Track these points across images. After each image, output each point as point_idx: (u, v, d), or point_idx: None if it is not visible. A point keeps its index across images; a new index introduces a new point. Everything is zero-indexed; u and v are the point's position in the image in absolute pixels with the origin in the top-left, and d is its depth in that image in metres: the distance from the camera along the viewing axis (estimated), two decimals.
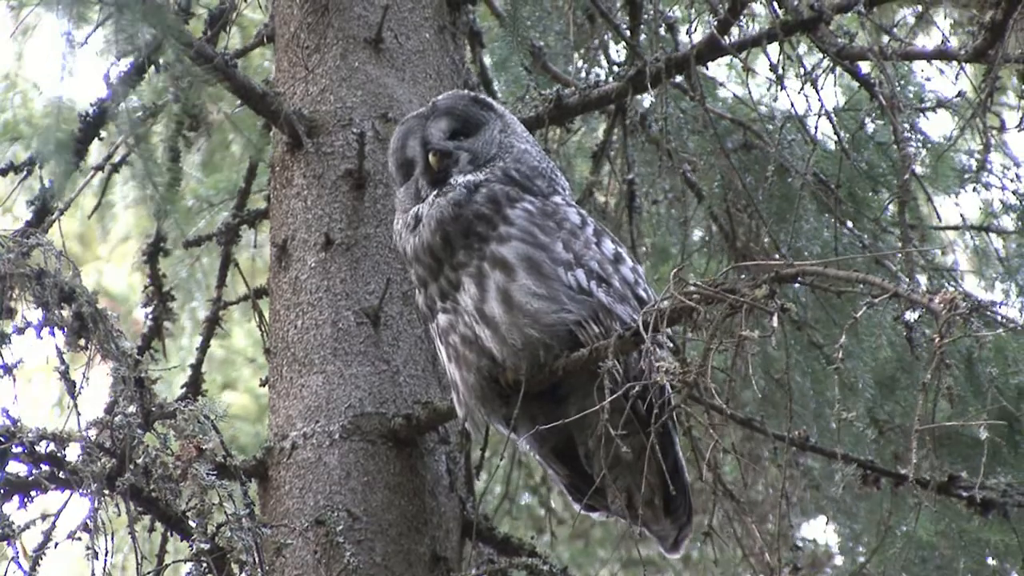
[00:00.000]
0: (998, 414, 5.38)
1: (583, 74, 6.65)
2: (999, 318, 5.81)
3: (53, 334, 4.43)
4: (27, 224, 5.68)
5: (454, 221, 4.50)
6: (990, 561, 5.79)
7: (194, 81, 5.45)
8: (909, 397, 6.10)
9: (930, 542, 5.69)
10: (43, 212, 5.81)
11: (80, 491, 4.25)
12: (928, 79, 5.96)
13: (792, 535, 5.90)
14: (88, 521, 4.20)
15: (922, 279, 6.01)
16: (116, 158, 6.30)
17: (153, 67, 5.78)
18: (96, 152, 6.18)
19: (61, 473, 4.29)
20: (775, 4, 5.57)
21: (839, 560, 7.75)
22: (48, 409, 10.22)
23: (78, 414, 4.31)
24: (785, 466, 4.95)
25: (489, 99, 4.80)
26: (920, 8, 6.20)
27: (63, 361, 4.38)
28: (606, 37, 6.75)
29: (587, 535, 9.30)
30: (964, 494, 5.30)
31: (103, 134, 5.90)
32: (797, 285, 4.77)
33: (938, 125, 6.12)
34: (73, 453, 4.30)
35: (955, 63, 5.69)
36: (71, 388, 4.36)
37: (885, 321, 6.00)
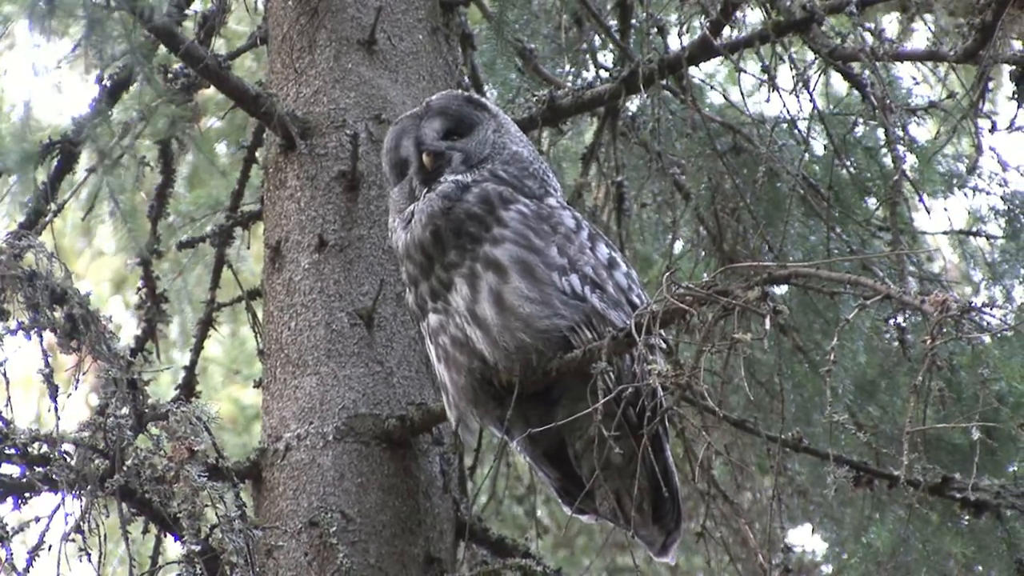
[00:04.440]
0: (979, 420, 5.40)
1: (571, 78, 6.66)
2: (990, 321, 5.82)
3: (41, 336, 4.42)
4: (20, 226, 5.66)
5: (444, 216, 4.50)
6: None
7: (161, 103, 5.46)
8: (888, 401, 6.11)
9: (887, 551, 5.71)
10: (36, 214, 5.80)
11: (71, 493, 4.24)
12: (917, 82, 5.98)
13: (784, 537, 5.90)
14: (80, 523, 4.20)
15: (911, 282, 6.02)
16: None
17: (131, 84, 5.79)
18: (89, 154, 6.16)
19: (54, 475, 4.27)
20: (767, 5, 5.58)
21: (826, 569, 7.76)
22: (32, 391, 10.19)
23: (57, 419, 4.30)
24: (778, 467, 4.95)
25: (483, 99, 4.81)
26: (910, 12, 6.21)
27: (47, 364, 4.37)
28: (595, 41, 6.75)
29: (572, 545, 9.29)
30: (958, 495, 5.32)
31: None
32: (781, 289, 4.79)
33: (924, 132, 6.13)
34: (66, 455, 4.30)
35: (945, 64, 5.70)
36: (54, 393, 4.35)
37: (864, 326, 6.02)
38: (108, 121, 5.74)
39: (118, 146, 5.86)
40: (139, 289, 6.32)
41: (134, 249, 6.01)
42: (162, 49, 5.48)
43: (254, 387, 5.50)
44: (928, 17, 6.32)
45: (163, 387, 7.99)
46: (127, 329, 4.48)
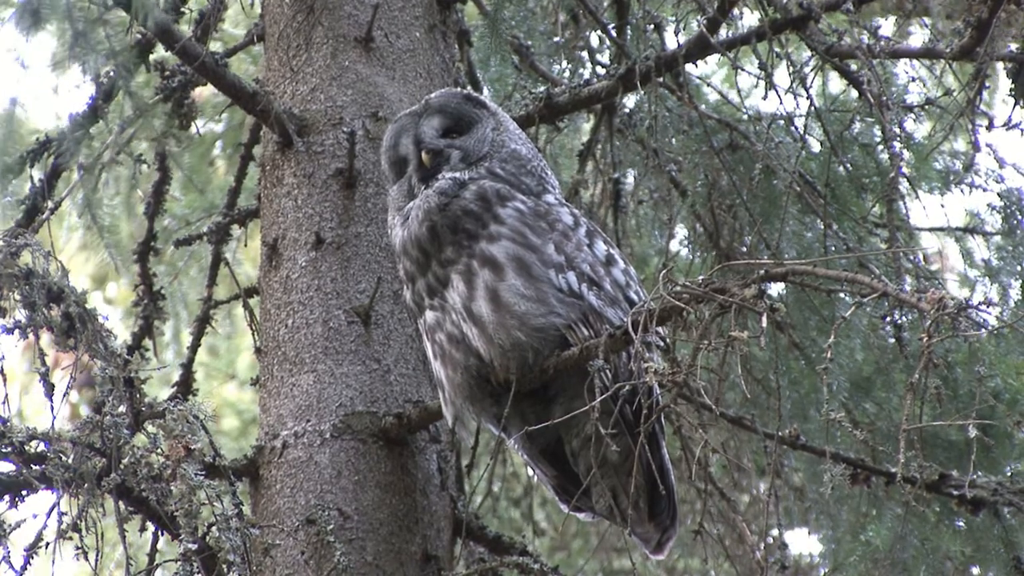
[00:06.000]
0: (975, 417, 5.40)
1: (568, 75, 6.67)
2: (987, 318, 5.83)
3: (37, 334, 4.42)
4: (17, 224, 5.66)
5: (441, 212, 4.50)
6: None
7: (146, 116, 5.46)
8: (885, 398, 6.12)
9: (885, 548, 5.71)
10: (33, 212, 5.79)
11: (68, 491, 4.24)
12: (913, 79, 5.99)
13: (780, 534, 5.92)
14: (77, 521, 4.20)
15: (907, 279, 6.03)
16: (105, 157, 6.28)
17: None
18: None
19: (50, 473, 4.27)
20: (764, 2, 5.59)
21: (823, 569, 7.77)
22: (13, 386, 10.16)
23: (53, 416, 4.30)
24: (774, 464, 4.96)
25: (482, 97, 4.81)
26: (906, 10, 6.21)
27: (44, 363, 4.37)
28: (591, 37, 6.75)
29: (568, 547, 9.30)
30: (955, 492, 5.32)
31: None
32: (778, 286, 4.78)
33: (921, 129, 6.14)
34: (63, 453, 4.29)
35: (942, 62, 5.71)
36: (49, 391, 4.35)
37: (860, 323, 6.02)
38: (105, 119, 5.73)
39: (114, 144, 5.85)
40: (136, 286, 6.32)
41: (113, 264, 6.02)
42: (159, 47, 5.49)
43: (251, 385, 5.51)
44: (927, 21, 6.33)
45: (154, 387, 7.99)
46: (110, 325, 4.46)
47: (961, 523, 5.70)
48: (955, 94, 5.65)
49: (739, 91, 6.11)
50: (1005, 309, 6.10)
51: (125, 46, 5.01)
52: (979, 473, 5.53)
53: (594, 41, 6.81)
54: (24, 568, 4.21)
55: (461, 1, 5.88)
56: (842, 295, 5.56)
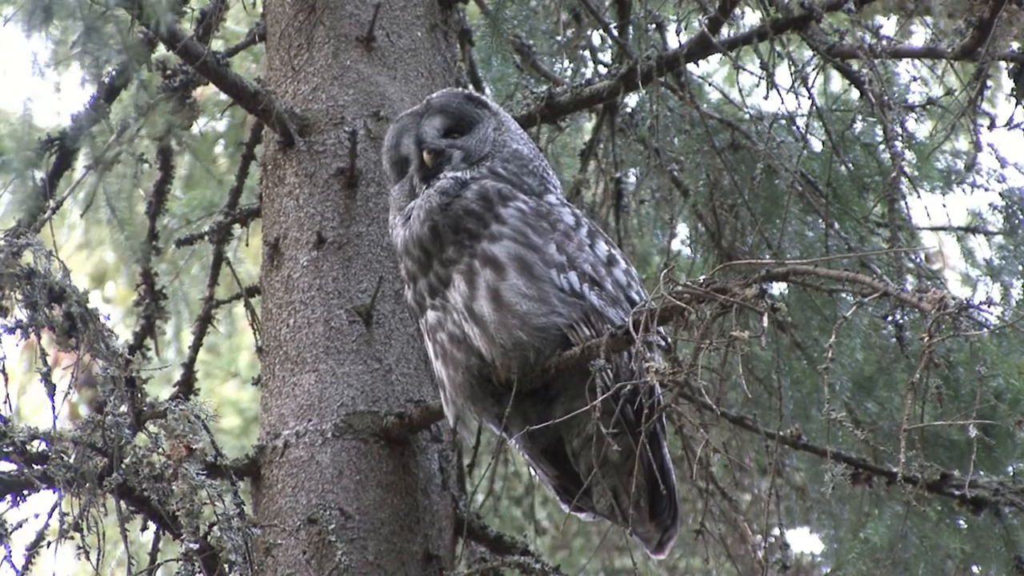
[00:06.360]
0: (976, 417, 5.40)
1: (569, 73, 6.67)
2: (988, 318, 5.83)
3: (39, 334, 4.42)
4: (18, 223, 5.65)
5: (442, 212, 4.50)
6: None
7: (157, 107, 5.46)
8: (886, 398, 6.11)
9: (885, 547, 5.71)
10: (35, 211, 5.79)
11: (69, 491, 4.24)
12: (915, 79, 5.99)
13: (782, 534, 5.91)
14: (78, 520, 4.19)
15: (909, 279, 6.03)
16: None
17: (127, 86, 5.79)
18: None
19: (51, 472, 4.26)
20: (765, 2, 5.59)
21: (825, 568, 7.77)
22: (20, 380, 10.17)
23: (54, 416, 4.30)
24: (776, 464, 4.95)
25: (483, 97, 4.81)
26: (908, 9, 6.21)
27: (46, 363, 4.37)
28: (592, 37, 6.75)
29: (569, 546, 9.30)
30: (956, 492, 5.32)
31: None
32: (779, 286, 4.78)
33: (923, 129, 6.14)
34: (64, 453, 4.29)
35: (943, 61, 5.71)
36: (51, 391, 4.35)
37: (862, 323, 6.02)
38: (106, 119, 5.73)
39: (116, 143, 5.85)
40: (137, 285, 6.33)
41: (131, 256, 6.01)
42: (160, 47, 5.48)
43: (252, 384, 5.51)
44: (928, 20, 6.33)
45: (155, 387, 7.98)
46: (111, 325, 4.47)
47: (962, 522, 5.70)
48: (957, 94, 5.65)
49: (741, 91, 6.11)
50: (1007, 309, 6.10)
51: (135, 40, 5.01)
52: (980, 473, 5.53)
53: (596, 40, 6.81)
54: (26, 567, 4.22)
55: (463, 0, 5.88)
56: (844, 295, 5.55)
